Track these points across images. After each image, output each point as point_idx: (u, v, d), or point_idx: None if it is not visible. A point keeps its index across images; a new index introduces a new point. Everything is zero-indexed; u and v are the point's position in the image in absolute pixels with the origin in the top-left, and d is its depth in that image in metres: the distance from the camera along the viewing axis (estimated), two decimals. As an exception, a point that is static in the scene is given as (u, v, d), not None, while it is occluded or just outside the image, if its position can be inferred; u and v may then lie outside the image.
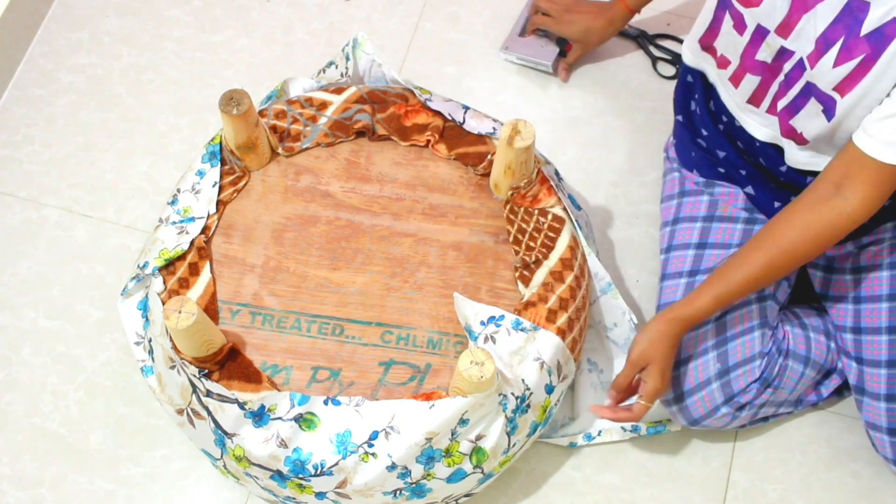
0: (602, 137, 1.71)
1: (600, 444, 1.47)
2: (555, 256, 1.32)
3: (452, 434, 1.18)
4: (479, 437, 1.20)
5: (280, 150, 1.37)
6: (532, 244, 1.32)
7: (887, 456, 1.36)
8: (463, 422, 1.17)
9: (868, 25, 1.07)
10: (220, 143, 1.36)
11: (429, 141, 1.38)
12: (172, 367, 1.23)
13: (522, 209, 1.35)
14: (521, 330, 1.25)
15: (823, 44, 1.12)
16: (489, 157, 1.36)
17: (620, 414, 1.29)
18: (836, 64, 1.11)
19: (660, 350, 1.26)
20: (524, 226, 1.34)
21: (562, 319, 1.28)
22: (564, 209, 1.35)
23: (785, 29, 1.16)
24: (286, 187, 1.36)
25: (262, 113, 1.39)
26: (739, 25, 1.21)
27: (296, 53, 1.78)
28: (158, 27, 1.79)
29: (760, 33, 1.19)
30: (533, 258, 1.31)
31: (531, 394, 1.24)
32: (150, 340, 1.29)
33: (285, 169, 1.38)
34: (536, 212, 1.35)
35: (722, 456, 1.49)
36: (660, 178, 1.63)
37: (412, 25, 1.81)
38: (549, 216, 1.34)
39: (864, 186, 1.15)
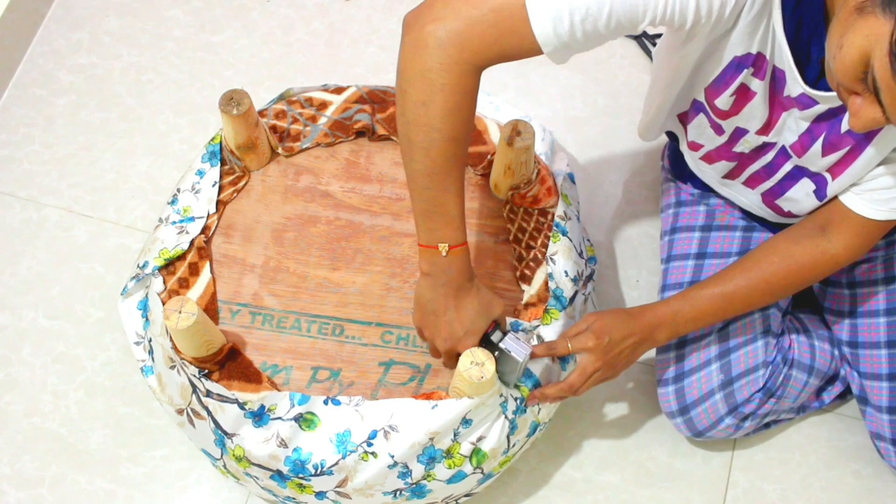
0: (602, 137, 1.71)
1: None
2: (555, 256, 1.31)
3: (455, 435, 1.18)
4: (479, 439, 1.20)
5: (280, 150, 1.37)
6: (532, 244, 1.32)
7: (893, 465, 1.36)
8: (466, 422, 1.17)
9: (846, 124, 1.08)
10: (220, 142, 1.36)
11: (429, 141, 1.38)
12: (172, 367, 1.23)
13: (522, 209, 1.35)
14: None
15: (809, 138, 1.13)
16: (489, 157, 1.36)
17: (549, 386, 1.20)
18: (823, 154, 1.13)
19: (611, 321, 1.18)
20: (524, 225, 1.33)
21: (562, 319, 1.27)
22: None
23: (766, 129, 1.16)
24: (286, 187, 1.36)
25: (262, 113, 1.39)
26: (716, 129, 1.21)
27: (296, 53, 1.78)
28: (158, 27, 1.79)
29: (739, 134, 1.20)
30: (533, 257, 1.31)
31: (531, 394, 1.24)
32: (150, 340, 1.29)
33: (285, 169, 1.37)
34: (536, 212, 1.34)
35: (722, 456, 1.49)
36: (660, 177, 1.62)
37: (412, 25, 1.81)
38: (549, 216, 1.34)
39: (848, 235, 1.17)
